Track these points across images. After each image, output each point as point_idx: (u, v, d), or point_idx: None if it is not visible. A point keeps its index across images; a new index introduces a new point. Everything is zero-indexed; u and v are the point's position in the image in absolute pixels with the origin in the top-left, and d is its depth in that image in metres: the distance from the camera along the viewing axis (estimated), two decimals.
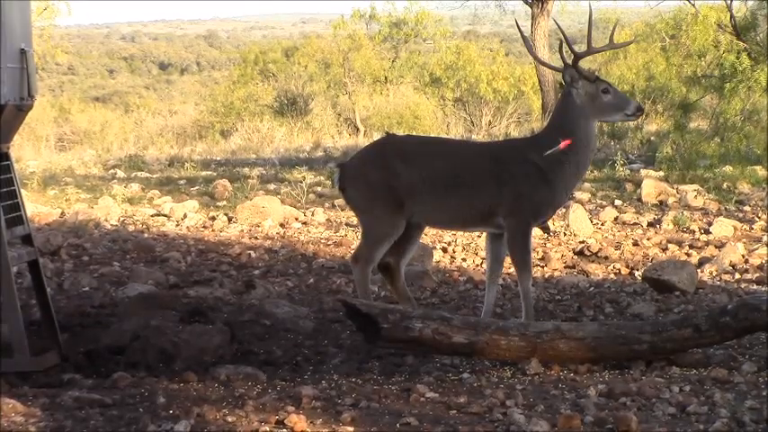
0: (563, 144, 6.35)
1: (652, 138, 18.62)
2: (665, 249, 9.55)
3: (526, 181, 6.40)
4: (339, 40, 32.46)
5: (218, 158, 20.79)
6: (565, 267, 8.99)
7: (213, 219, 11.80)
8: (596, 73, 6.72)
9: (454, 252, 9.45)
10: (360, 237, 6.72)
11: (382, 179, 6.43)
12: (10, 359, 5.58)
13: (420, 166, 6.44)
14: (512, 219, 6.40)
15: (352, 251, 6.71)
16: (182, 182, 15.89)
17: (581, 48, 6.75)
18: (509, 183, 6.40)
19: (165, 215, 12.13)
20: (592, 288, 8.14)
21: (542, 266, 9.00)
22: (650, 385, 4.83)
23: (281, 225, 11.36)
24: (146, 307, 6.80)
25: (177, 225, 11.54)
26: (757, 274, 8.40)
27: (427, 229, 7.57)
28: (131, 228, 11.32)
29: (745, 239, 9.79)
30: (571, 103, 6.53)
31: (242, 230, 11.08)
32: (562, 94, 6.64)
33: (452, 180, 6.44)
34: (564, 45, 6.61)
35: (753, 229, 10.40)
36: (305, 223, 11.52)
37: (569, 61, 6.53)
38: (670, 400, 4.62)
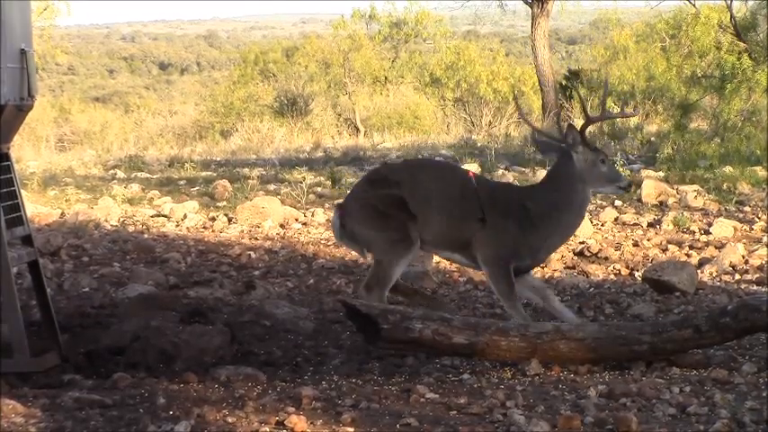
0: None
1: (652, 138, 18.62)
2: (665, 250, 9.54)
3: (512, 221, 6.41)
4: (339, 40, 32.49)
5: (218, 159, 20.78)
6: (565, 268, 8.99)
7: (213, 219, 11.79)
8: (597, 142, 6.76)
9: None
10: (371, 265, 6.48)
11: (386, 198, 6.36)
12: (10, 359, 5.58)
13: (419, 186, 6.42)
14: (488, 251, 6.39)
15: (364, 281, 6.46)
16: (182, 182, 15.89)
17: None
18: (495, 218, 6.39)
19: (165, 216, 12.12)
20: (592, 289, 8.14)
21: (542, 267, 8.99)
22: (650, 386, 4.83)
23: (281, 226, 11.36)
24: (146, 308, 6.80)
25: (177, 226, 11.53)
26: (757, 275, 8.40)
27: None
28: (131, 228, 11.31)
29: (745, 240, 9.78)
30: (571, 167, 6.52)
31: (242, 231, 11.08)
32: (562, 156, 6.60)
33: (446, 202, 6.41)
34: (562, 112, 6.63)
35: (753, 229, 10.39)
36: (305, 224, 11.52)
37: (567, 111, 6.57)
38: (670, 401, 4.62)
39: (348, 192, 6.87)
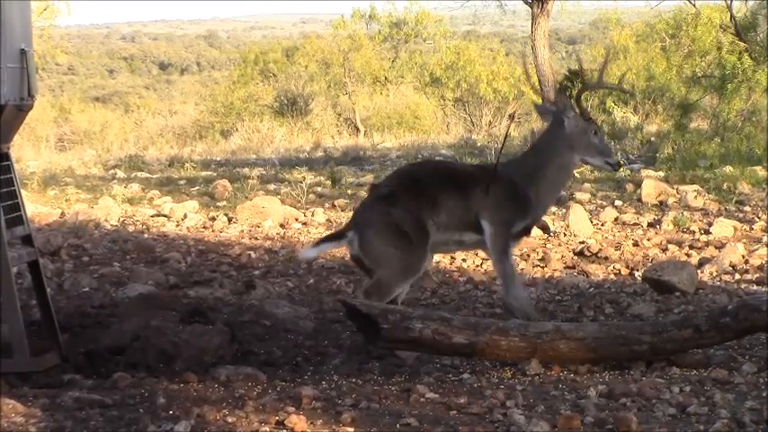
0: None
1: (652, 138, 18.62)
2: (665, 250, 9.54)
3: (504, 192, 6.52)
4: (339, 40, 32.51)
5: (218, 159, 20.80)
6: (565, 268, 8.99)
7: (213, 219, 11.80)
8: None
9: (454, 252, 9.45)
10: (374, 278, 6.33)
11: (404, 211, 6.32)
12: (10, 359, 5.58)
13: (427, 177, 6.45)
14: (491, 214, 6.48)
15: (364, 286, 6.40)
16: (182, 182, 15.90)
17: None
18: (495, 187, 6.51)
19: (166, 215, 12.13)
20: (592, 288, 8.14)
21: (542, 267, 9.00)
22: (650, 386, 4.83)
23: (281, 225, 11.36)
24: (146, 307, 6.80)
25: (177, 225, 11.54)
26: (757, 275, 8.40)
27: None
28: (131, 228, 11.32)
29: (745, 240, 9.78)
30: (561, 131, 6.67)
31: (242, 231, 11.08)
32: (554, 120, 6.68)
33: (453, 182, 6.47)
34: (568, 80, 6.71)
35: (753, 229, 10.39)
36: (305, 224, 11.52)
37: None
38: (670, 401, 4.61)
39: (358, 206, 6.79)
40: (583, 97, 6.87)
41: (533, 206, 6.66)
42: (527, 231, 6.83)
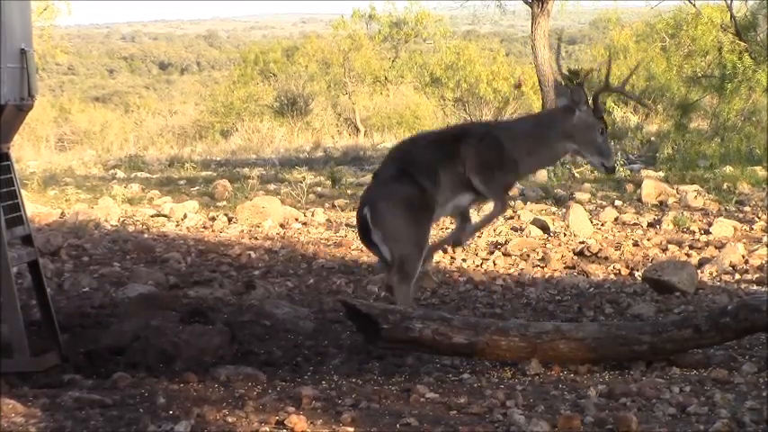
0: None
1: (652, 138, 18.63)
2: (665, 250, 9.55)
3: (485, 147, 6.53)
4: (339, 40, 32.50)
5: (218, 159, 20.81)
6: (565, 268, 8.99)
7: (213, 219, 11.80)
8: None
9: (454, 252, 9.45)
10: (396, 262, 6.33)
11: (411, 188, 6.35)
12: (10, 359, 5.58)
13: (426, 162, 6.48)
14: (477, 175, 6.48)
15: (390, 277, 6.40)
16: (182, 182, 15.90)
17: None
18: (472, 145, 6.52)
19: (165, 215, 12.13)
20: (592, 289, 8.14)
21: (542, 267, 9.00)
22: (650, 386, 4.83)
23: (281, 225, 11.36)
24: (146, 307, 6.80)
25: (177, 225, 11.54)
26: (757, 275, 8.40)
27: None
28: (131, 228, 11.31)
29: (745, 240, 9.79)
30: (567, 119, 6.63)
31: (242, 231, 11.08)
32: (565, 107, 6.66)
33: (446, 161, 6.49)
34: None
35: (753, 229, 10.40)
36: (305, 224, 11.52)
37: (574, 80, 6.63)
38: (670, 401, 4.62)
39: (367, 188, 6.81)
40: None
41: (513, 168, 6.64)
42: (513, 182, 6.93)
